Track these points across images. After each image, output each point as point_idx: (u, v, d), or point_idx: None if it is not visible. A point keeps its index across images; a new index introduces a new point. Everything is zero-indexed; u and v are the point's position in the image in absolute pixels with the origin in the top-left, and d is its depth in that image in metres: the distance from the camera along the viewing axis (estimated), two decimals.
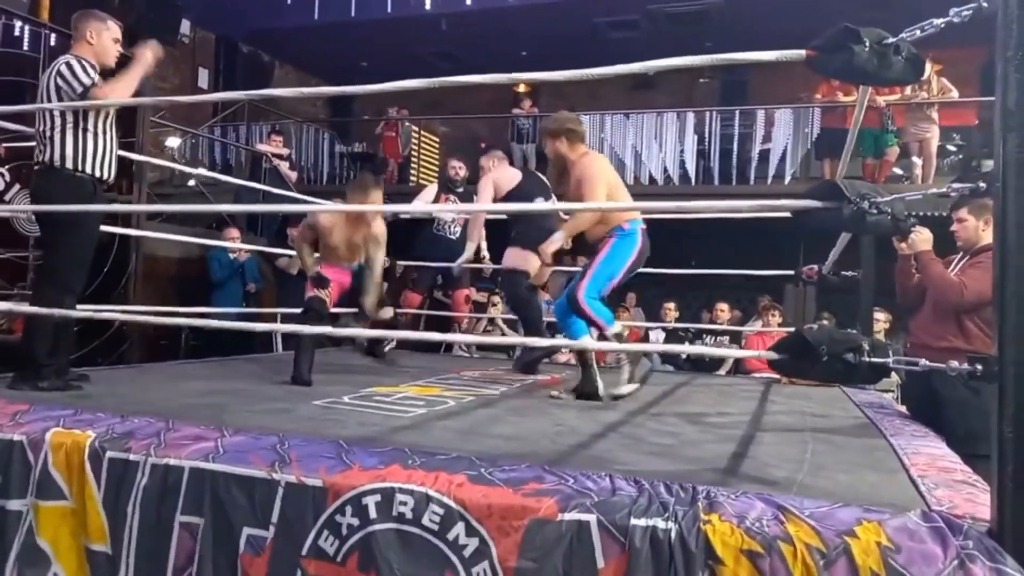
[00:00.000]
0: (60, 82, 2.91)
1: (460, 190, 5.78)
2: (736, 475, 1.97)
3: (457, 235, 5.72)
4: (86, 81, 2.89)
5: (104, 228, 3.48)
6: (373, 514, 1.69)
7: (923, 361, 1.69)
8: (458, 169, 5.92)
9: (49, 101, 2.93)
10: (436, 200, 5.69)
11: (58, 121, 2.93)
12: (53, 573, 1.96)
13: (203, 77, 11.24)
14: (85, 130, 2.95)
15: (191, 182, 8.59)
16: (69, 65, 2.92)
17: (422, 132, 11.51)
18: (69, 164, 2.94)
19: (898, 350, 2.59)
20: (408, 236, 6.05)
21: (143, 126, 5.41)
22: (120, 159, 3.22)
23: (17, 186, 5.48)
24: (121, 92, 2.93)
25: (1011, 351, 1.41)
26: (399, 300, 5.80)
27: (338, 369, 4.06)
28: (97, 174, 3.00)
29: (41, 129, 2.97)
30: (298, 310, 3.82)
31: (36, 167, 3.03)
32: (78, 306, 3.08)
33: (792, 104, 8.96)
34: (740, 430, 2.72)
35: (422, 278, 5.84)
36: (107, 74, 3.09)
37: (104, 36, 3.07)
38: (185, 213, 7.49)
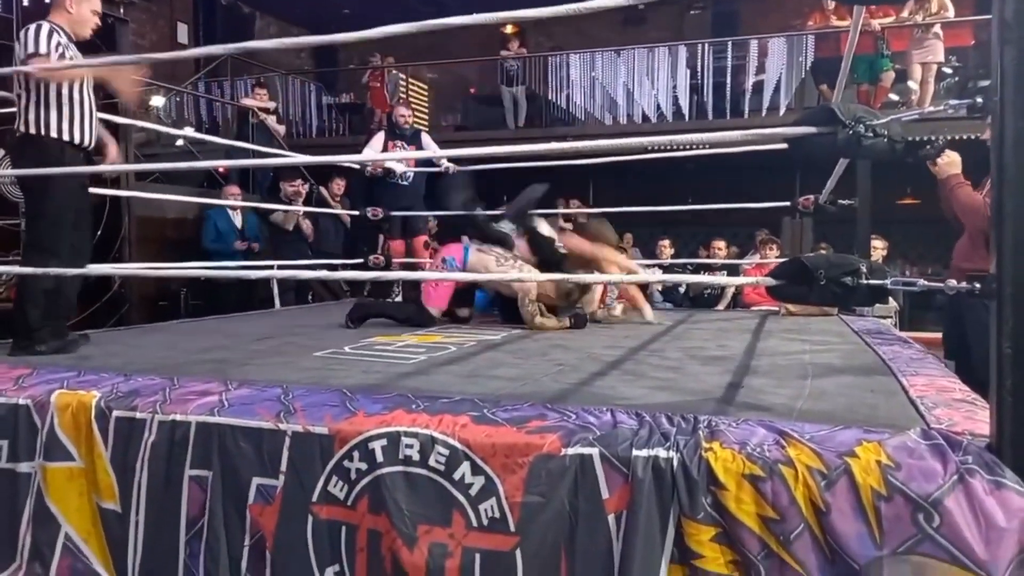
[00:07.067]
0: (18, 47, 2.87)
1: (409, 134, 5.88)
2: (737, 404, 1.99)
3: (410, 181, 5.78)
4: (31, 49, 2.83)
5: (93, 190, 3.43)
6: (380, 458, 1.71)
7: (920, 281, 1.69)
8: (407, 116, 6.04)
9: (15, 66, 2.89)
10: (384, 148, 5.73)
11: (20, 87, 2.89)
12: (64, 533, 1.99)
13: (182, 32, 10.96)
14: (48, 95, 2.88)
15: (179, 142, 8.45)
16: (27, 31, 2.86)
17: (409, 80, 11.29)
18: (33, 129, 2.89)
19: (895, 275, 2.57)
20: (369, 186, 6.10)
21: None
22: (105, 120, 3.17)
23: (2, 152, 5.41)
24: (59, 73, 2.86)
25: (1009, 267, 1.41)
26: (380, 248, 5.84)
27: (339, 322, 4.06)
28: (66, 138, 2.93)
29: (15, 95, 2.94)
30: (293, 262, 3.80)
31: (17, 134, 2.99)
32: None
33: (785, 32, 8.78)
34: (740, 362, 2.74)
35: (393, 226, 5.90)
36: (81, 44, 3.03)
37: (83, 6, 2.99)
38: (172, 171, 7.37)
